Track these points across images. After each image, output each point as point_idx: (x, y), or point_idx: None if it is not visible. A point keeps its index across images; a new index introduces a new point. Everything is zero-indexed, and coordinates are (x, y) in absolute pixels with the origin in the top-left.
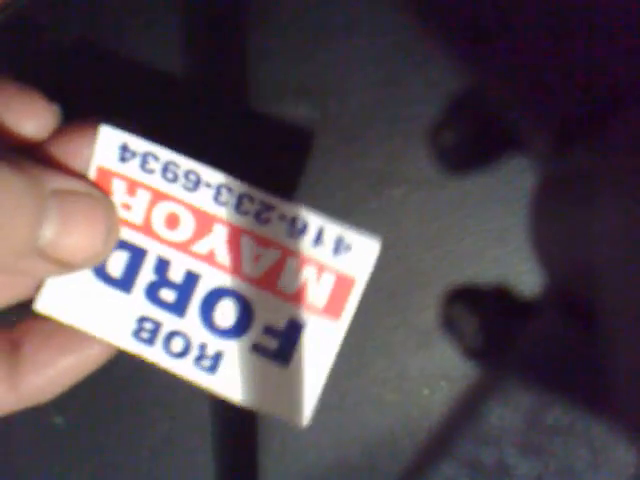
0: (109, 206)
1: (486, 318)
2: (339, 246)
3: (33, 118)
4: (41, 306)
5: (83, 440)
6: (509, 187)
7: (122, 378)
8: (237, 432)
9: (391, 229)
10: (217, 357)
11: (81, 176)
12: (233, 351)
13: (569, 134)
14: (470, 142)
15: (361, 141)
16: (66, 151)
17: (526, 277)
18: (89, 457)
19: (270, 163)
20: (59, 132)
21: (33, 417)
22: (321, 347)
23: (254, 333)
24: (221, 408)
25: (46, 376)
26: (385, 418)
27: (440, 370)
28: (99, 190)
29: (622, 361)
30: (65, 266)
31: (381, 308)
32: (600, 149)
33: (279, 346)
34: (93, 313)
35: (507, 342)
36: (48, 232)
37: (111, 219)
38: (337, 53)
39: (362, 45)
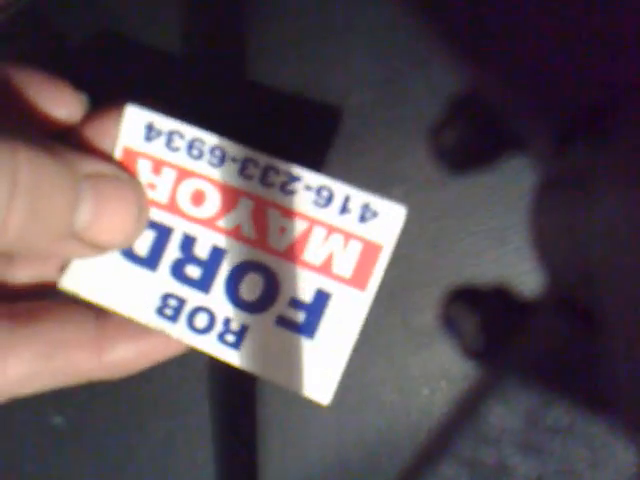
0: (138, 187)
1: (486, 318)
2: (365, 213)
3: (63, 106)
4: (66, 283)
5: (83, 440)
6: (509, 187)
7: (122, 378)
8: (237, 432)
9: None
10: (241, 332)
11: (110, 159)
12: (258, 325)
13: (569, 134)
14: (470, 142)
15: (361, 141)
16: (95, 135)
17: (526, 277)
18: (89, 457)
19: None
20: (87, 118)
21: (32, 417)
22: (346, 318)
23: (280, 306)
24: (222, 408)
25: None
26: (385, 418)
27: (440, 370)
28: (127, 172)
29: (622, 361)
30: (98, 248)
31: (381, 308)
32: (600, 149)
33: (305, 318)
34: (118, 291)
35: (507, 342)
36: (83, 215)
37: (141, 200)
38: (337, 53)
39: (362, 45)
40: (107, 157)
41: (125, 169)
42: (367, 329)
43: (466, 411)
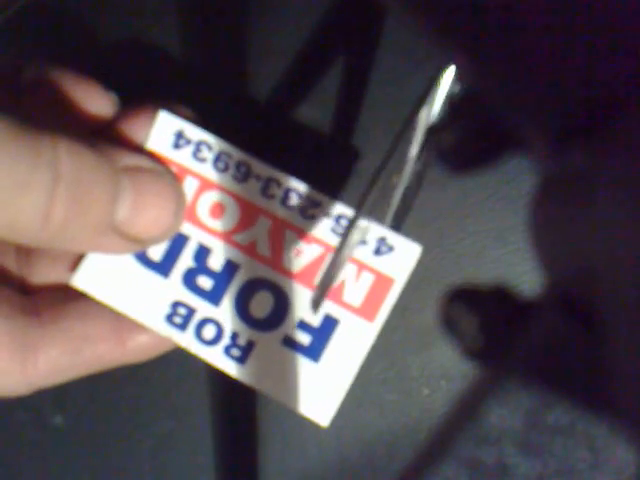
0: (175, 181)
1: (486, 318)
2: (381, 246)
3: (96, 104)
4: (77, 282)
5: (83, 440)
6: (509, 187)
7: (122, 378)
8: (237, 432)
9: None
10: (248, 347)
11: (146, 153)
12: (264, 343)
13: (569, 134)
14: (470, 142)
15: (361, 141)
16: (127, 132)
17: (526, 277)
18: (89, 457)
19: (268, 163)
20: (120, 115)
21: (32, 416)
22: (352, 347)
23: (287, 326)
24: (221, 408)
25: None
26: (385, 418)
27: (440, 370)
28: (164, 166)
29: (622, 361)
30: (139, 242)
31: None
32: (600, 149)
33: (311, 342)
34: (128, 294)
35: (507, 342)
36: (123, 208)
37: (179, 195)
38: (337, 53)
39: (362, 45)
40: (143, 152)
41: (162, 164)
42: None
43: (466, 411)
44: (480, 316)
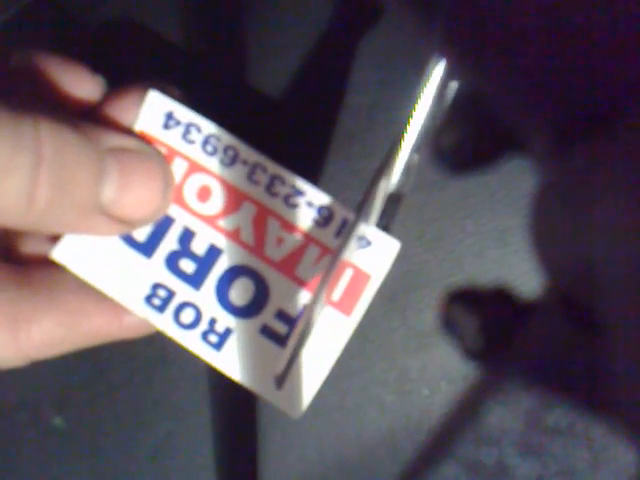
0: (163, 161)
1: (486, 318)
2: (360, 240)
3: (82, 86)
4: (57, 255)
5: (83, 440)
6: (509, 188)
7: (122, 378)
8: (237, 432)
9: (391, 229)
10: (225, 334)
11: (133, 134)
12: (242, 330)
13: (569, 135)
14: (470, 142)
15: (360, 142)
16: (115, 113)
17: (526, 277)
18: (89, 457)
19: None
20: (106, 98)
21: (32, 417)
22: (329, 340)
23: (266, 315)
24: (221, 409)
25: None
26: (385, 419)
27: (440, 371)
28: (151, 147)
29: (622, 361)
30: (127, 224)
31: (381, 309)
32: (600, 150)
33: (288, 332)
34: (108, 272)
35: (507, 342)
36: (109, 190)
37: (167, 174)
38: (336, 55)
39: (361, 47)
40: (130, 133)
41: (149, 144)
42: (367, 329)
43: (466, 412)
44: (480, 317)
